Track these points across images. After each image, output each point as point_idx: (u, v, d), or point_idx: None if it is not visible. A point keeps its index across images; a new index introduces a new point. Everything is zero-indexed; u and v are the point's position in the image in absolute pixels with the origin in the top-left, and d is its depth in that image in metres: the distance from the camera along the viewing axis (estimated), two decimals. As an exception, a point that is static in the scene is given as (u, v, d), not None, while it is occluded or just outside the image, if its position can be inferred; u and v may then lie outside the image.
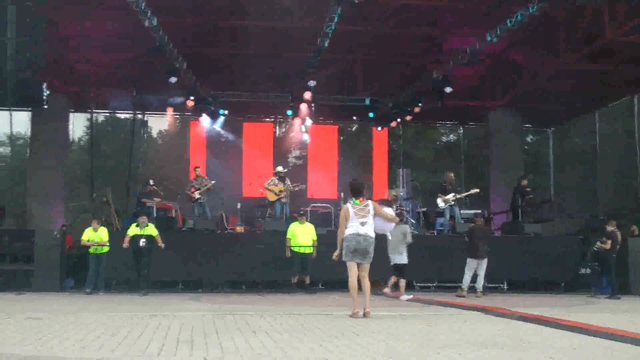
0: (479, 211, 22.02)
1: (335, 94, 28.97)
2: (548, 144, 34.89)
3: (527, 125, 35.05)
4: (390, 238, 16.80)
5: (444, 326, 9.91)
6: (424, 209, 25.49)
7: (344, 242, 11.53)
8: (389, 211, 12.56)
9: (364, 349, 7.38)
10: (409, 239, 17.69)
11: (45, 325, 9.61)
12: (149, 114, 32.26)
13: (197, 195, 22.99)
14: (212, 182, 23.54)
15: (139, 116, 31.65)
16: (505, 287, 22.02)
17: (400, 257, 17.39)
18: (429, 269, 19.23)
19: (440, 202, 23.23)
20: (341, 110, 30.65)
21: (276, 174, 23.83)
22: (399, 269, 17.44)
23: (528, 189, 24.16)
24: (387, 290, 17.58)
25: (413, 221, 24.69)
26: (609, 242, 19.55)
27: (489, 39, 22.06)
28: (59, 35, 24.37)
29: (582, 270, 21.31)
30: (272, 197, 23.35)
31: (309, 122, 29.33)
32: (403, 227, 17.78)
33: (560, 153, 35.81)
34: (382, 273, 19.34)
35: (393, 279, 17.62)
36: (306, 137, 30.66)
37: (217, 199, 24.85)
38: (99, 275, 19.35)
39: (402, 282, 17.36)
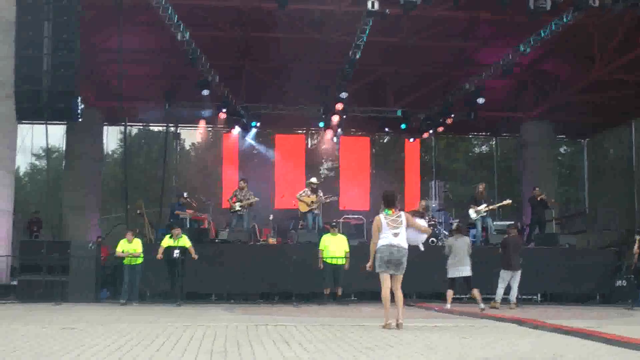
0: (513, 222, 21.79)
1: (367, 105, 28.98)
2: (582, 156, 34.63)
3: (560, 136, 34.86)
4: (448, 252, 17.07)
5: (480, 338, 9.80)
6: (458, 221, 25.33)
7: (377, 253, 11.45)
8: (422, 222, 12.48)
9: (399, 360, 7.32)
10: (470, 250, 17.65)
11: (81, 336, 9.63)
12: (182, 126, 32.47)
13: (237, 206, 22.97)
14: (256, 199, 23.45)
15: (172, 129, 31.82)
16: (539, 299, 21.82)
17: (467, 269, 17.26)
18: (461, 281, 19.08)
19: (472, 213, 23.10)
20: (373, 122, 30.64)
21: (309, 185, 23.77)
22: (467, 281, 17.30)
23: (543, 197, 23.86)
24: (448, 305, 17.27)
25: (445, 232, 24.55)
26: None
27: (521, 49, 21.97)
28: (93, 50, 24.61)
29: (618, 283, 21.10)
30: (303, 208, 23.29)
31: (340, 133, 29.39)
32: (466, 238, 17.68)
33: (595, 164, 35.50)
34: (414, 286, 19.37)
35: (451, 293, 17.43)
36: (337, 148, 30.71)
37: (250, 211, 24.88)
38: (133, 286, 19.39)
39: (476, 292, 17.16)
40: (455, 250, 17.24)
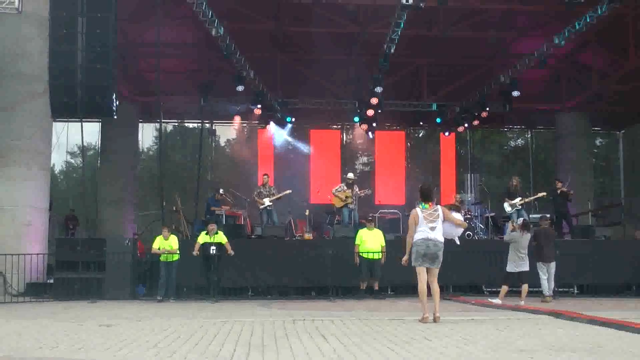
0: (546, 215, 21.55)
1: (402, 99, 28.90)
2: (618, 147, 34.35)
3: (596, 128, 34.58)
4: (511, 249, 16.93)
5: (517, 330, 9.77)
6: (492, 214, 25.18)
7: (413, 247, 11.44)
8: (458, 216, 12.43)
9: (437, 353, 7.31)
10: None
11: (119, 332, 9.71)
12: (217, 122, 32.59)
13: (267, 202, 23.00)
14: (288, 190, 23.49)
15: (207, 125, 31.93)
16: (576, 291, 21.65)
17: (526, 265, 17.13)
18: (497, 274, 18.96)
19: (507, 207, 22.93)
20: (408, 115, 30.59)
21: (345, 180, 23.73)
22: (521, 275, 17.16)
23: (564, 189, 23.60)
24: (497, 300, 17.15)
25: (481, 226, 24.45)
26: None
27: (556, 41, 21.82)
28: (128, 45, 24.74)
29: (656, 274, 20.91)
30: (338, 203, 23.24)
31: (375, 128, 29.34)
32: (529, 235, 17.51)
33: (631, 156, 35.19)
34: (451, 279, 19.32)
35: (506, 288, 17.29)
36: (373, 143, 30.67)
37: (285, 206, 24.87)
38: (170, 282, 19.39)
39: (525, 287, 17.05)
40: (519, 246, 17.06)
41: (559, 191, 23.42)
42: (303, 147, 31.52)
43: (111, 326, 10.57)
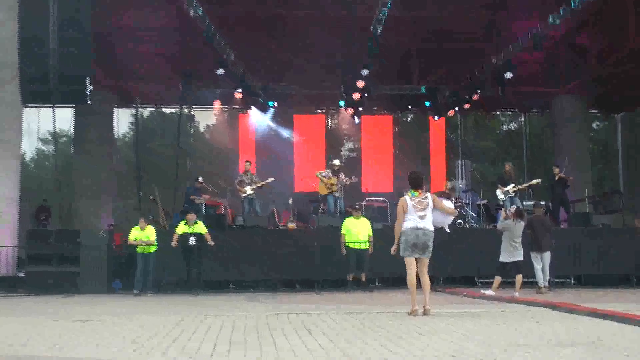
0: (540, 202, 21.45)
1: (390, 82, 28.80)
2: (616, 131, 34.37)
3: (593, 111, 34.53)
4: (502, 230, 16.85)
5: (514, 324, 9.71)
6: (485, 202, 25.17)
7: (402, 237, 11.40)
8: (448, 204, 12.38)
9: (430, 349, 7.24)
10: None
11: (94, 328, 9.62)
12: (196, 108, 32.34)
13: (249, 190, 22.93)
14: (271, 178, 23.46)
15: (186, 110, 31.74)
16: (573, 282, 21.65)
17: (520, 254, 17.07)
18: (490, 264, 18.92)
19: (499, 194, 22.93)
20: (396, 99, 30.48)
21: (330, 167, 23.66)
22: (516, 265, 17.08)
23: (562, 175, 23.58)
24: (490, 292, 17.11)
25: (473, 214, 24.45)
26: None
27: (551, 21, 21.77)
28: (102, 29, 24.55)
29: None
30: (323, 191, 23.19)
31: (362, 113, 29.26)
32: (522, 224, 17.43)
33: (630, 140, 35.22)
34: (442, 270, 19.34)
35: (499, 280, 17.22)
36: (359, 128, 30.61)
37: (268, 194, 24.81)
38: (148, 275, 19.31)
39: (520, 277, 16.99)
40: (513, 235, 17.01)
41: (557, 177, 23.42)
42: (286, 133, 31.39)
43: (87, 322, 10.47)
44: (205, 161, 36.34)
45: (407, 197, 11.55)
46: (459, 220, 22.05)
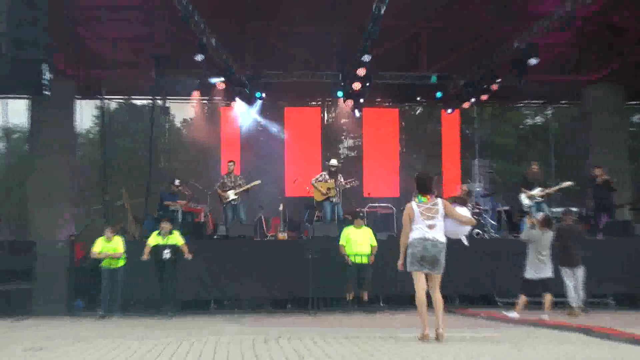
0: (571, 209, 21.24)
1: (396, 70, 28.73)
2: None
3: (630, 102, 34.47)
4: (526, 240, 16.80)
5: (540, 351, 9.67)
6: (506, 208, 25.11)
7: (409, 249, 11.39)
8: (463, 211, 12.29)
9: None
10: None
11: (50, 358, 9.56)
12: (172, 99, 32.20)
13: (232, 194, 22.93)
14: (258, 181, 23.46)
15: (160, 102, 31.65)
16: (612, 302, 21.49)
17: (549, 270, 17.00)
18: (513, 281, 18.79)
19: (524, 199, 22.90)
20: (403, 89, 30.42)
21: (327, 168, 23.65)
22: (544, 283, 16.99)
23: (606, 177, 23.45)
24: (514, 314, 16.98)
25: (493, 222, 24.40)
26: None
27: (581, -2, 21.73)
28: (63, 9, 24.46)
29: None
30: (318, 197, 23.23)
31: (363, 105, 29.19)
32: (551, 233, 17.37)
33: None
34: (457, 287, 19.32)
35: (523, 300, 17.10)
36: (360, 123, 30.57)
37: (255, 199, 24.80)
38: (115, 294, 19.29)
39: (549, 297, 16.90)
40: (540, 247, 16.94)
41: (599, 180, 23.28)
42: (276, 128, 31.35)
43: (42, 350, 10.41)
44: (182, 161, 36.41)
45: (413, 204, 11.54)
46: (476, 230, 22.05)
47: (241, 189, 23.04)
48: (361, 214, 21.73)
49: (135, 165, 35.49)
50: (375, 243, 19.94)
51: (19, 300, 19.21)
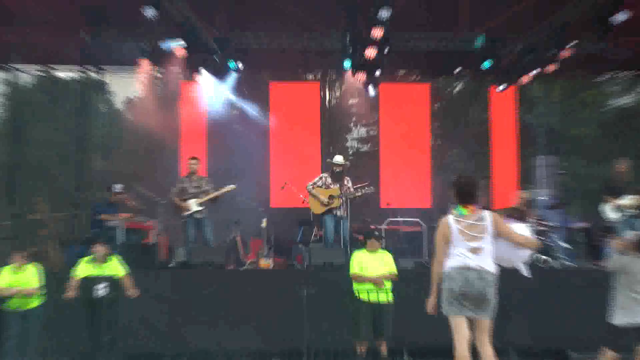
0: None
1: (426, 31, 28.69)
2: None
3: None
4: (619, 286, 16.64)
5: None
6: (585, 224, 25.08)
7: (445, 283, 11.34)
8: (521, 229, 12.24)
9: None
10: None
11: None
12: (110, 70, 32.19)
13: (195, 205, 22.92)
14: (231, 186, 23.42)
15: (93, 74, 31.64)
16: None
17: None
18: (594, 329, 18.63)
19: (609, 211, 22.86)
20: (435, 59, 30.40)
21: (330, 167, 23.60)
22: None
23: None
24: None
25: (564, 245, 24.31)
26: None
27: None
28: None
29: None
30: (317, 208, 23.15)
31: (380, 79, 29.16)
32: None
33: None
34: (514, 337, 19.28)
35: (613, 355, 16.91)
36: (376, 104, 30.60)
37: (227, 211, 24.77)
38: (27, 344, 19.23)
39: None
40: (634, 281, 16.83)
41: None
42: (257, 112, 31.34)
43: None
44: (125, 157, 36.35)
45: (451, 218, 11.47)
46: (541, 257, 22.00)
47: (208, 197, 23.03)
48: (377, 233, 21.63)
49: (57, 164, 35.49)
50: (396, 272, 19.82)
51: None
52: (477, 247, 11.21)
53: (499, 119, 31.96)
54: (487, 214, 11.54)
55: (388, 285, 19.34)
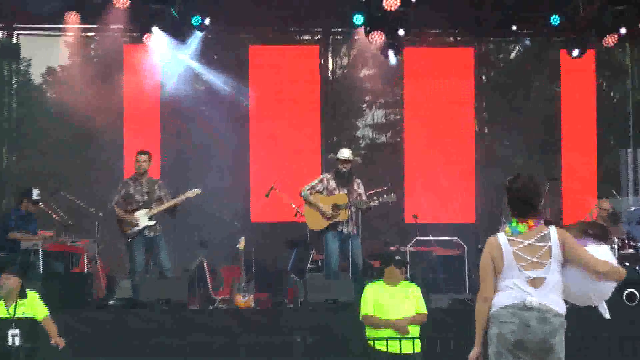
0: None
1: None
2: None
3: None
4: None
5: None
6: None
7: (493, 327, 11.33)
8: (602, 252, 12.14)
9: None
10: None
11: None
12: (26, 29, 32.28)
13: (144, 218, 22.92)
14: (196, 190, 23.40)
15: (3, 35, 31.74)
16: None
17: None
18: None
19: None
20: (481, 15, 30.43)
21: (334, 164, 23.62)
22: None
23: None
24: None
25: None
26: None
27: None
28: None
29: None
30: (316, 223, 23.12)
31: (404, 41, 29.21)
32: None
33: None
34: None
35: None
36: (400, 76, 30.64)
37: (191, 227, 24.82)
38: None
39: None
40: None
41: None
42: (232, 86, 31.30)
43: None
44: (47, 153, 36.47)
45: (502, 237, 11.43)
46: (630, 290, 22.06)
47: (162, 207, 23.02)
48: (400, 258, 21.62)
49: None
50: (425, 311, 19.86)
51: None
52: (538, 277, 11.13)
53: (572, 97, 31.92)
54: (553, 231, 11.45)
55: (415, 331, 19.42)
